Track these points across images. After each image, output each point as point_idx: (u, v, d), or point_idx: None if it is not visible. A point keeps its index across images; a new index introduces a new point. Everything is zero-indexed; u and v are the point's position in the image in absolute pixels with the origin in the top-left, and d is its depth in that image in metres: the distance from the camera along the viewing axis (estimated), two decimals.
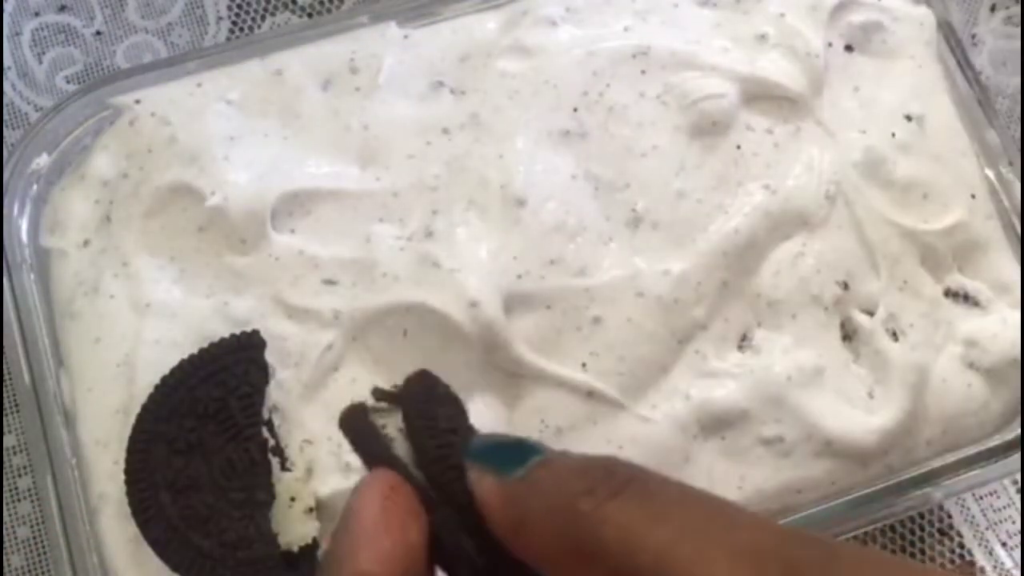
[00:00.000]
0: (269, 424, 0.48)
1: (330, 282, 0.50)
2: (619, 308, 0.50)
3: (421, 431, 0.47)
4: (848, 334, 0.52)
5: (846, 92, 0.56)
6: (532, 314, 0.50)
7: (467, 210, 0.51)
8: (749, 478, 0.50)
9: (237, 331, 0.48)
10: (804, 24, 0.56)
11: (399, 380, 0.50)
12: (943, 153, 0.55)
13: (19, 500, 0.57)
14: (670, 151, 0.53)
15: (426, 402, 0.47)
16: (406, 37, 0.56)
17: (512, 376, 0.50)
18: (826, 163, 0.54)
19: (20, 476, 0.57)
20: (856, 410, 0.50)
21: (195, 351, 0.48)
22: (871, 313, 0.52)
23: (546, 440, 0.48)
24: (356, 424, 0.49)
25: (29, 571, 0.56)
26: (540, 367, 0.49)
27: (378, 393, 0.50)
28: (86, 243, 0.52)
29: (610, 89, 0.54)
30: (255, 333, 0.48)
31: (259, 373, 0.48)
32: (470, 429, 0.45)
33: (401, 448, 0.48)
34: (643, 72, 0.54)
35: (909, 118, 0.55)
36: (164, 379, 0.47)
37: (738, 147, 0.54)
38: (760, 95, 0.55)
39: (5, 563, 0.55)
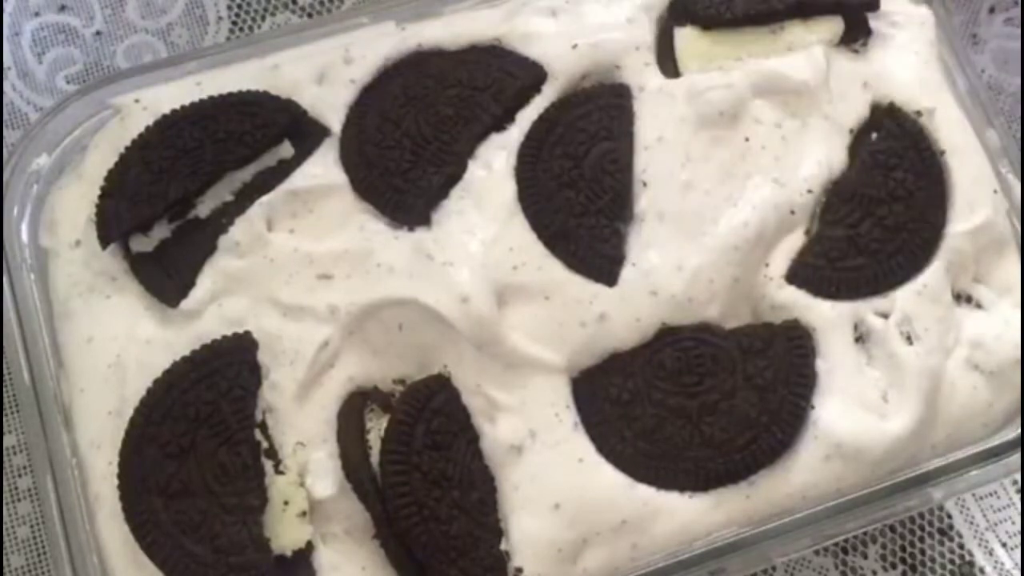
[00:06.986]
0: (262, 426, 0.48)
1: (325, 276, 0.50)
2: (628, 306, 0.50)
3: (390, 451, 0.47)
4: (862, 335, 0.51)
5: (854, 88, 0.55)
6: (529, 305, 0.50)
7: (463, 199, 0.52)
8: (757, 483, 0.49)
9: (230, 332, 0.49)
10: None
11: (396, 375, 0.50)
12: (957, 148, 0.55)
13: (19, 500, 0.57)
14: (676, 142, 0.53)
15: (415, 416, 0.48)
16: (403, 30, 0.56)
17: (510, 367, 0.49)
18: (835, 158, 0.54)
19: (20, 476, 0.57)
20: (869, 415, 0.50)
21: (187, 352, 0.48)
22: (886, 316, 0.51)
23: (548, 431, 0.49)
24: (347, 421, 0.49)
25: (29, 571, 0.56)
26: (536, 357, 0.49)
27: (375, 396, 0.50)
28: (78, 243, 0.52)
29: (612, 79, 0.54)
30: (247, 334, 0.48)
31: (251, 375, 0.48)
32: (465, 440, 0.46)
33: (376, 457, 0.48)
34: (646, 64, 0.54)
35: (919, 113, 0.55)
36: (156, 382, 0.47)
37: (746, 140, 0.53)
38: (767, 89, 0.54)
39: (5, 563, 0.55)
